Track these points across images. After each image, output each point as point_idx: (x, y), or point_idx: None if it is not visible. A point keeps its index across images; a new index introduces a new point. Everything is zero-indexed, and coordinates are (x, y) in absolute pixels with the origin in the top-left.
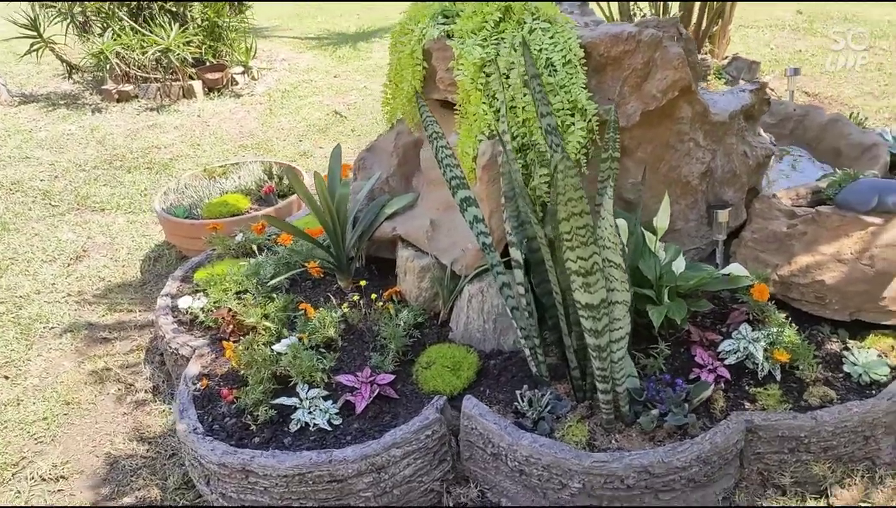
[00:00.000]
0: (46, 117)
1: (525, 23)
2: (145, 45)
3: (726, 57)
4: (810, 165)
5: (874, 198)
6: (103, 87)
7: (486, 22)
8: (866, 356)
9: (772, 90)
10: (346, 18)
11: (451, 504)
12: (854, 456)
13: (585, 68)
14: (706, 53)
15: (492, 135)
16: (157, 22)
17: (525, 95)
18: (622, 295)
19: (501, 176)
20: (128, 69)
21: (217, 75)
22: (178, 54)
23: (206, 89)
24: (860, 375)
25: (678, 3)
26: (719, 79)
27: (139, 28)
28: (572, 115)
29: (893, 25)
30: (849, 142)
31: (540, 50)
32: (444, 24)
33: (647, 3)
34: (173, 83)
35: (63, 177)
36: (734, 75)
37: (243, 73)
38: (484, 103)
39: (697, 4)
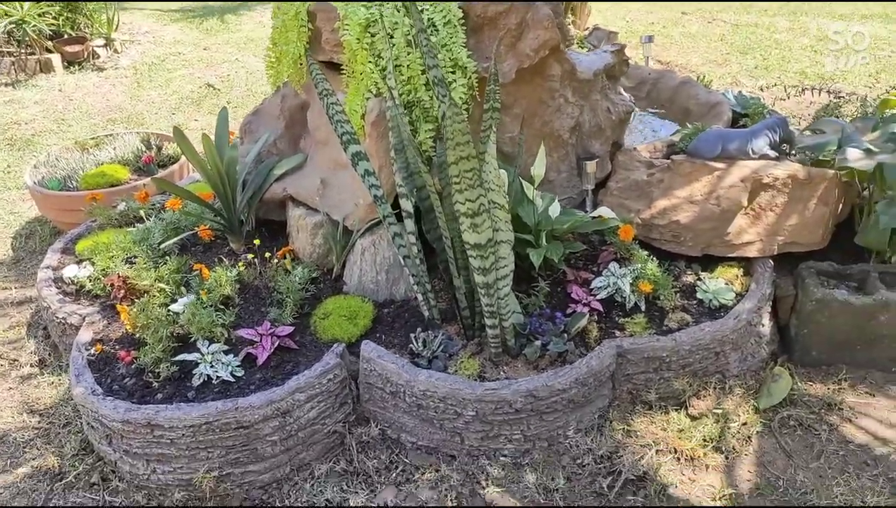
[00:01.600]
0: None
1: None
2: None
3: (587, 28)
4: (665, 126)
5: (719, 145)
6: None
7: None
8: (715, 284)
9: (629, 57)
10: None
11: (353, 444)
12: (708, 371)
13: (464, 28)
14: (569, 24)
15: (379, 92)
16: None
17: (409, 54)
18: (506, 234)
19: (390, 130)
20: None
21: (77, 48)
22: (34, 26)
23: (65, 63)
24: (710, 300)
25: None
26: (582, 48)
27: None
28: (454, 73)
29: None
30: (697, 101)
31: (421, 11)
32: None
33: None
34: (29, 56)
35: None
36: (595, 44)
37: (105, 45)
38: (370, 62)
39: None
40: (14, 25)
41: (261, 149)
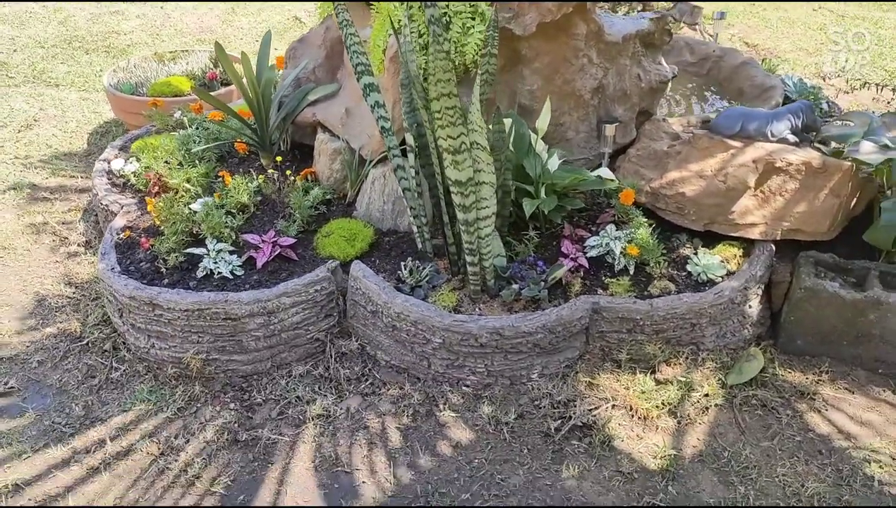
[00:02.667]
0: None
1: None
2: None
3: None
4: None
5: (739, 123)
6: None
7: None
8: (708, 259)
9: (710, 35)
10: None
11: (333, 353)
12: (682, 340)
13: None
14: None
15: (399, 29)
16: None
17: None
18: (488, 176)
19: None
20: None
21: None
22: None
23: None
24: (699, 274)
25: None
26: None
27: None
28: (473, 19)
29: None
30: (752, 83)
31: None
32: None
33: None
34: None
35: (21, 52)
36: (676, 18)
37: None
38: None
39: None
40: None
41: (298, 74)
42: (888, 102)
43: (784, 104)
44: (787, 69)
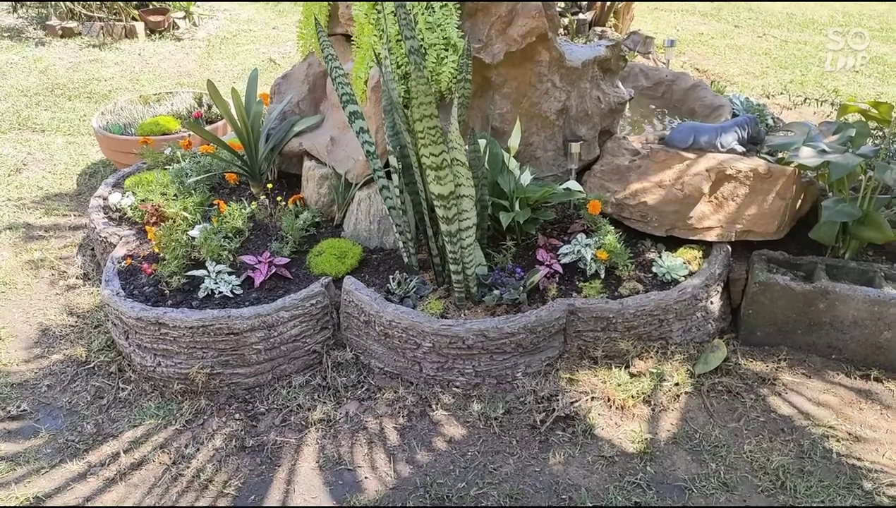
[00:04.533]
0: None
1: None
2: None
3: (630, 32)
4: None
5: (691, 137)
6: (47, 23)
7: None
8: (671, 261)
9: (663, 63)
10: None
11: (329, 364)
12: (652, 336)
13: (460, 12)
14: (610, 27)
15: (380, 62)
16: None
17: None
18: (468, 189)
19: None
20: (72, 6)
21: (159, 18)
22: None
23: (147, 31)
24: (664, 274)
25: None
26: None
27: None
28: (446, 50)
29: (790, 17)
30: (703, 103)
31: None
32: None
33: None
34: (116, 23)
35: (5, 101)
36: (630, 47)
37: (184, 18)
38: (375, 35)
39: None
40: None
41: (284, 108)
42: (827, 116)
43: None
44: (735, 90)
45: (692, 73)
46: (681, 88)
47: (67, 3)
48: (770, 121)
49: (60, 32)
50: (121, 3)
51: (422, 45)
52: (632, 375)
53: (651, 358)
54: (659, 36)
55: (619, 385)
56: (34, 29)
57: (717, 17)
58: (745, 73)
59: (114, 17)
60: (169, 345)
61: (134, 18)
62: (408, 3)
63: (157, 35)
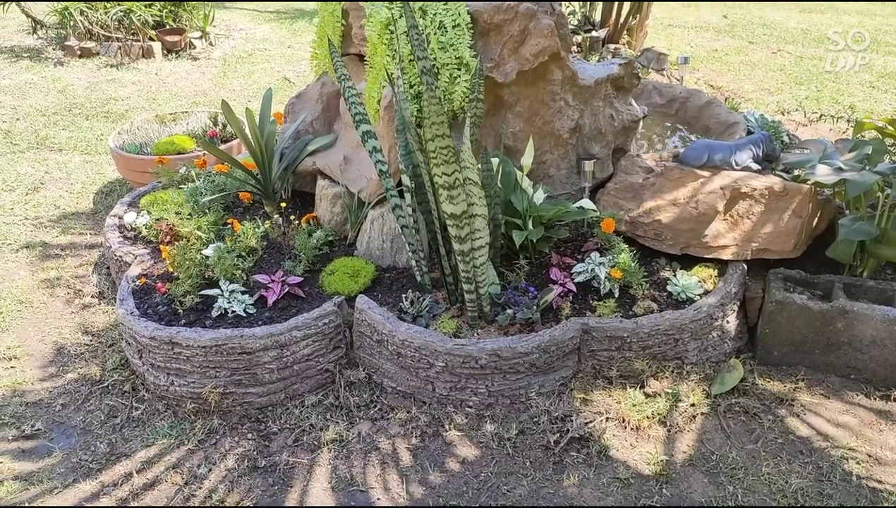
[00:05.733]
0: (10, 67)
1: None
2: (108, 5)
3: (643, 49)
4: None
5: (705, 155)
6: (66, 44)
7: None
8: (686, 280)
9: (677, 80)
10: None
11: (342, 383)
12: (667, 355)
13: (472, 31)
14: (624, 44)
15: (392, 82)
16: None
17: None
18: (481, 209)
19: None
20: (90, 27)
21: (175, 38)
22: (140, 16)
23: (164, 51)
24: (679, 293)
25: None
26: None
27: None
28: (459, 69)
29: (805, 33)
30: (717, 120)
31: (435, 14)
32: None
33: None
34: (134, 43)
35: (24, 120)
36: (644, 64)
37: (201, 37)
38: (388, 56)
39: (617, 2)
40: (123, 14)
41: (298, 127)
42: (843, 132)
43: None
44: (749, 107)
45: (706, 90)
46: (695, 105)
47: (86, 24)
48: (786, 138)
49: (79, 53)
50: (138, 25)
51: (434, 65)
52: (647, 395)
53: (666, 377)
54: (672, 53)
55: (635, 405)
56: (53, 49)
57: (731, 34)
58: (759, 90)
59: (131, 37)
60: (182, 365)
61: (151, 39)
62: (420, 23)
63: (173, 55)
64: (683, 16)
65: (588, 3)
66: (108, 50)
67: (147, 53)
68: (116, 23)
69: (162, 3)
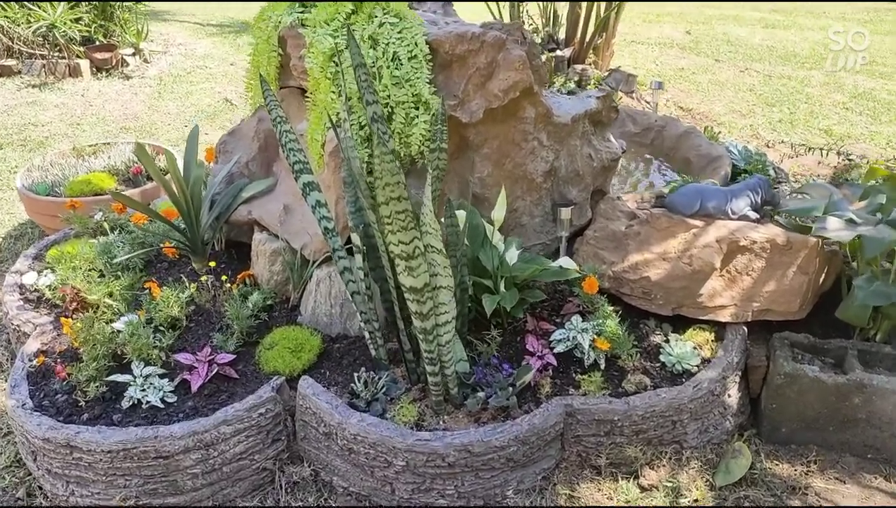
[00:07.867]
0: None
1: (375, 17)
2: (31, 19)
3: (610, 69)
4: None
5: (697, 202)
6: None
7: (339, 13)
8: (682, 348)
9: (647, 102)
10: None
11: (283, 483)
12: (663, 440)
13: (431, 64)
14: (589, 64)
15: (339, 122)
16: None
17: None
18: (446, 279)
19: (342, 162)
20: (11, 43)
21: (106, 55)
22: (65, 31)
23: (94, 69)
24: (674, 365)
25: (566, 13)
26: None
27: (26, 1)
28: (416, 108)
29: (771, 50)
30: (698, 153)
31: (387, 44)
32: (300, 12)
33: (536, 4)
34: (59, 60)
35: None
36: (612, 86)
37: (134, 54)
38: (333, 92)
39: (582, 20)
40: (47, 29)
41: (231, 169)
42: (834, 166)
43: (732, 173)
44: (723, 131)
45: (676, 113)
46: (672, 135)
47: (6, 40)
48: (772, 172)
49: None
50: (61, 41)
51: (388, 104)
52: (642, 489)
53: (664, 466)
54: (640, 72)
55: (628, 501)
56: None
57: (697, 51)
58: (731, 112)
59: (57, 53)
60: (83, 472)
61: (78, 56)
62: (371, 54)
63: (104, 73)
64: (646, 32)
65: (552, 23)
66: (30, 68)
67: (74, 72)
68: (40, 39)
69: (90, 16)
